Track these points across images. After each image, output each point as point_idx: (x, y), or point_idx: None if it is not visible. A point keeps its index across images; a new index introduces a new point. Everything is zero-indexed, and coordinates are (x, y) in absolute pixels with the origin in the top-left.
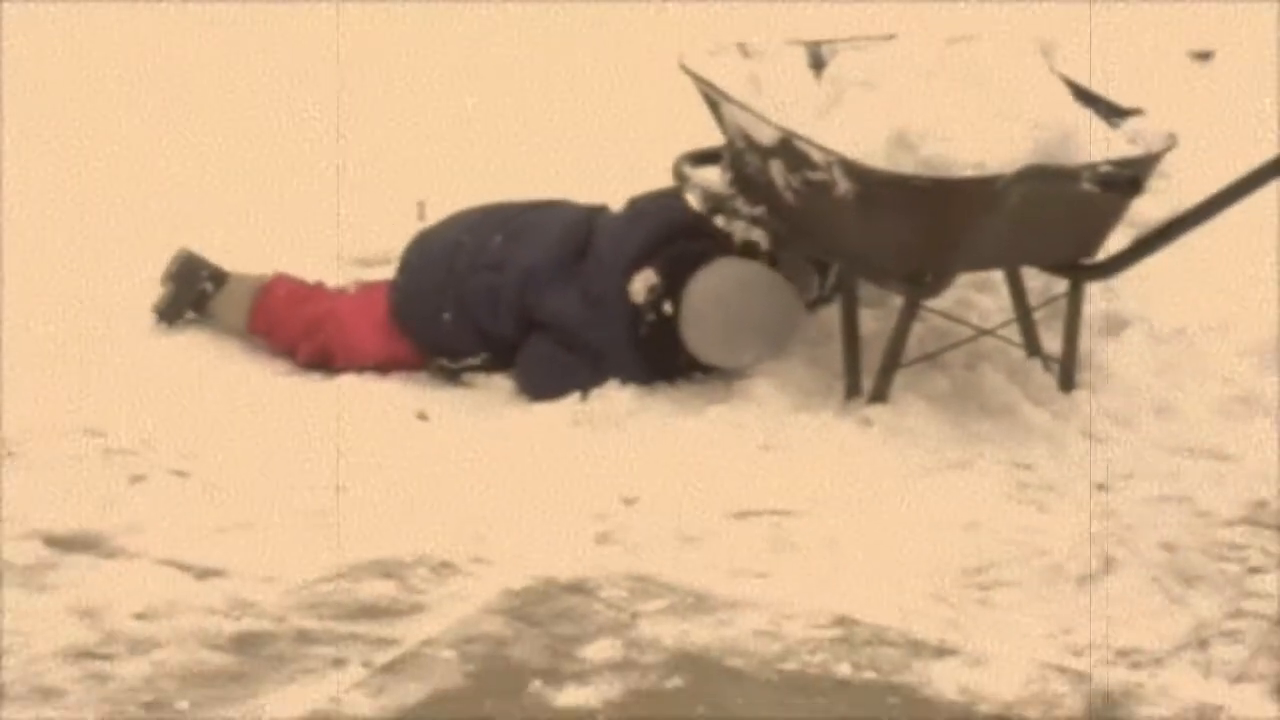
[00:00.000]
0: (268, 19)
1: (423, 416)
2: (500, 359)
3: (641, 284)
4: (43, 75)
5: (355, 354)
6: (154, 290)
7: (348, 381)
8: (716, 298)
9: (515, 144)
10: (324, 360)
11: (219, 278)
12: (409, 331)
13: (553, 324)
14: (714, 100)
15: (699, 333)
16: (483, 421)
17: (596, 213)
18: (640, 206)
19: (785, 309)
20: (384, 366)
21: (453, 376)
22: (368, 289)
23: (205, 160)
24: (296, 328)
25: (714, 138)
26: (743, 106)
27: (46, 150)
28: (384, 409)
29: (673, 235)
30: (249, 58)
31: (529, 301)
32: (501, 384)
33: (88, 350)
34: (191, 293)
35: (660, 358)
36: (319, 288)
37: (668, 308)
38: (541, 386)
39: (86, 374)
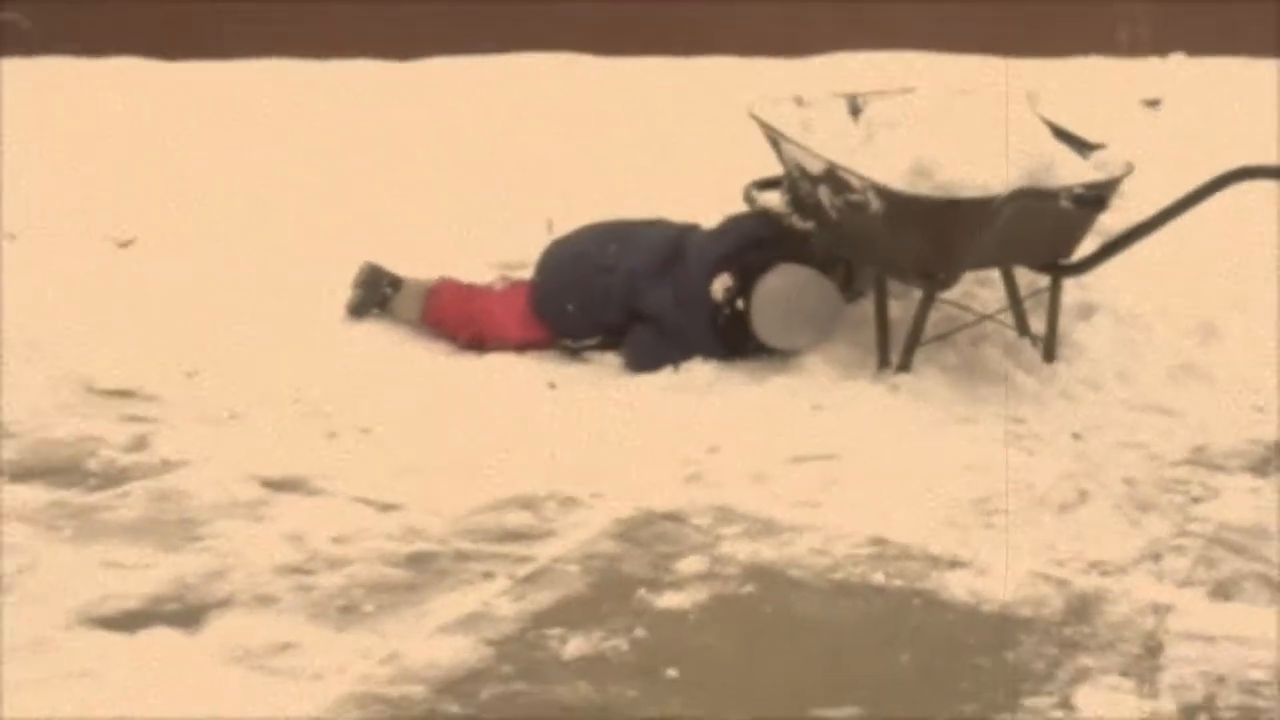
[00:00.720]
0: (426, 80)
1: (552, 385)
2: (609, 342)
3: (720, 286)
4: (280, 134)
5: (502, 338)
6: (346, 293)
7: (494, 359)
8: (777, 297)
9: (621, 174)
10: (478, 343)
11: (396, 283)
12: (543, 320)
13: (651, 315)
14: (775, 139)
15: (764, 323)
16: (597, 389)
17: (688, 229)
18: (721, 226)
19: (829, 304)
20: (523, 347)
21: (574, 354)
22: (511, 288)
23: (384, 194)
24: (458, 319)
25: (774, 168)
26: (797, 144)
27: (275, 190)
28: (522, 380)
29: (745, 248)
30: (420, 114)
31: (633, 297)
32: (612, 360)
33: (295, 339)
34: (376, 295)
35: (735, 342)
36: (474, 288)
37: (740, 304)
38: (643, 362)
39: (293, 357)
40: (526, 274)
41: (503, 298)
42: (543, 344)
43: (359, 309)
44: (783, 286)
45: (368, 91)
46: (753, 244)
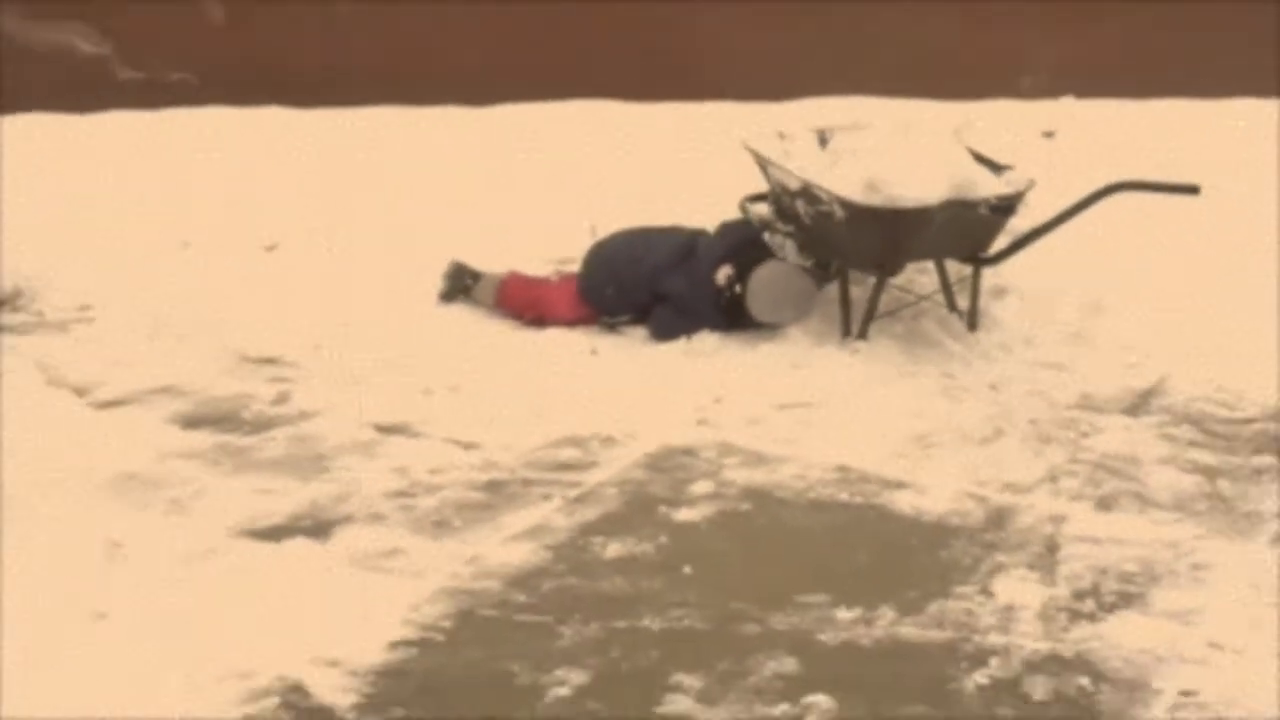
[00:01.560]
0: (491, 122)
1: (594, 351)
2: (639, 318)
3: (723, 274)
4: (386, 166)
5: (557, 317)
6: (438, 285)
7: (551, 333)
8: (766, 284)
9: (646, 190)
10: (539, 322)
11: (476, 276)
12: (588, 303)
13: (671, 297)
14: (763, 164)
15: (756, 304)
16: (631, 354)
17: (698, 233)
18: (724, 228)
19: (806, 290)
20: (573, 324)
21: (612, 328)
22: (563, 280)
23: (465, 210)
24: (523, 304)
25: (761, 186)
26: (780, 167)
27: (384, 209)
28: (573, 348)
29: (742, 246)
30: (489, 149)
31: (656, 284)
32: (640, 333)
33: (398, 320)
34: (460, 285)
35: (734, 318)
36: (534, 279)
37: (738, 289)
38: (664, 334)
39: (397, 333)
40: (575, 268)
41: (557, 288)
42: (589, 321)
43: (448, 296)
44: (770, 276)
45: (449, 132)
46: (748, 244)
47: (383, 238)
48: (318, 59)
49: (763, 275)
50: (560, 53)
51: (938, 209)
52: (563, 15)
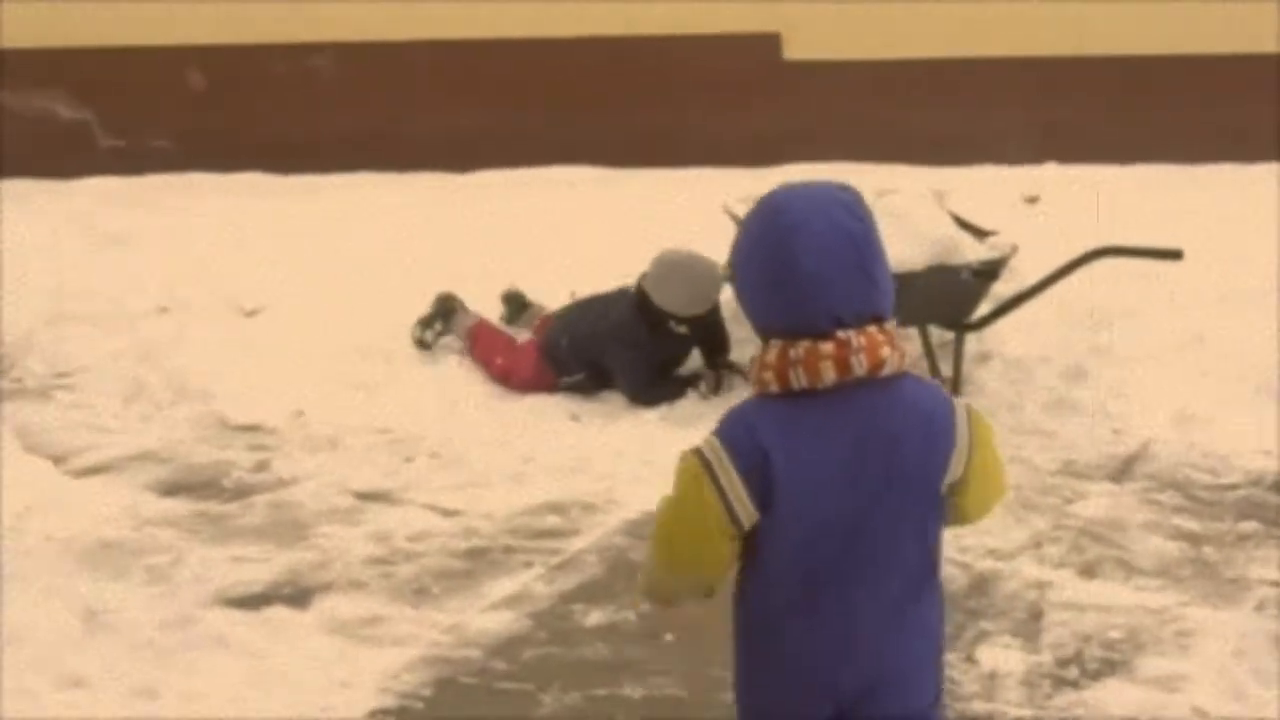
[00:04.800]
0: (476, 187)
1: (575, 418)
2: (592, 380)
3: (636, 280)
4: (365, 231)
5: (518, 371)
6: (415, 350)
7: (531, 400)
8: (666, 263)
9: (627, 257)
10: (505, 373)
11: (463, 307)
12: (546, 353)
13: (608, 337)
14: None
15: (659, 288)
16: (612, 421)
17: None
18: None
19: (710, 275)
20: (532, 382)
21: (591, 394)
22: (523, 344)
23: (447, 273)
24: (489, 353)
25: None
26: None
27: (362, 274)
28: (552, 414)
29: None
30: (471, 212)
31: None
32: (620, 400)
33: (378, 385)
34: (443, 310)
35: (650, 318)
36: (499, 336)
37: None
38: (643, 397)
39: (379, 402)
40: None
41: (517, 350)
42: (545, 383)
43: (429, 321)
44: (666, 255)
45: (428, 197)
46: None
47: (363, 302)
48: (297, 125)
49: (659, 257)
50: (541, 118)
51: (920, 274)
52: (543, 81)
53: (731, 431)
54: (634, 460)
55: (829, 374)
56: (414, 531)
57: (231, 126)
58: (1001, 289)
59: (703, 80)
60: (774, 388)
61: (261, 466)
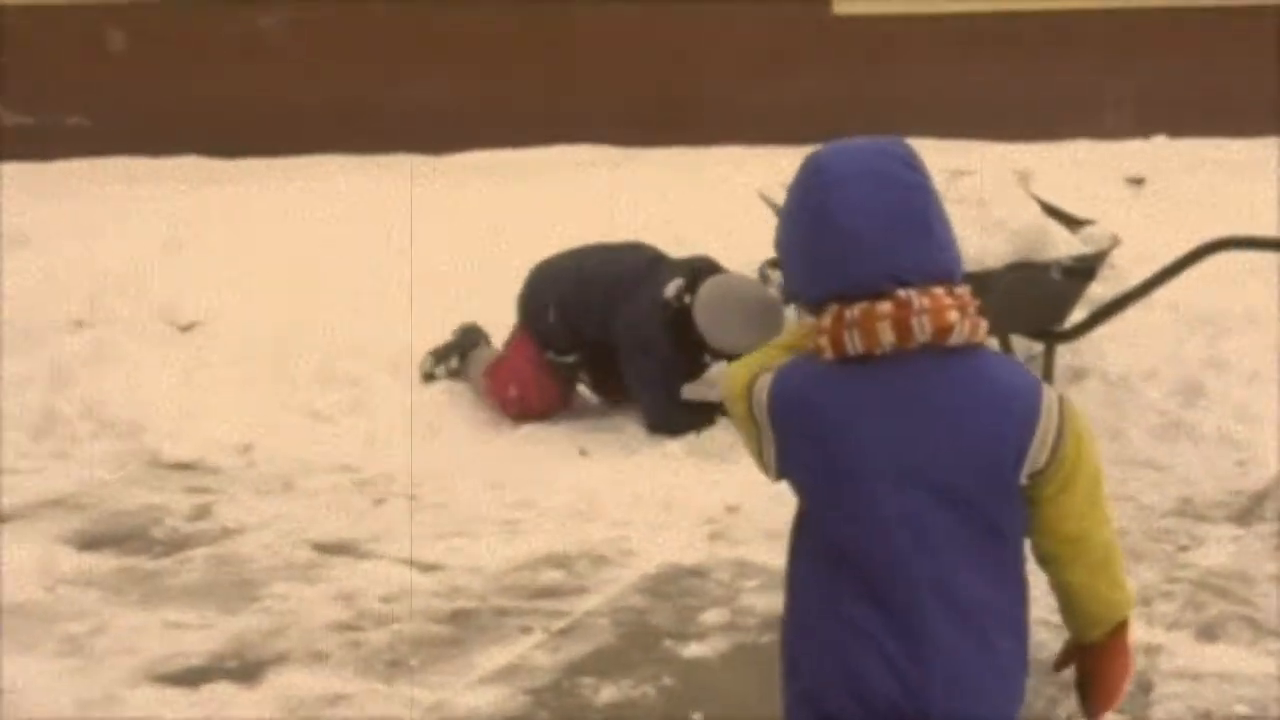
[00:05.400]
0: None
1: (583, 452)
2: (589, 361)
3: (673, 287)
4: (323, 225)
5: (526, 393)
6: (384, 376)
7: (530, 429)
8: (717, 293)
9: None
10: (522, 406)
11: (476, 342)
12: (529, 331)
13: (617, 332)
14: None
15: (706, 317)
16: (626, 454)
17: (660, 256)
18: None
19: (766, 306)
20: (534, 391)
21: (602, 416)
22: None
23: (420, 270)
24: (498, 384)
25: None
26: None
27: (322, 276)
28: (556, 447)
29: (702, 268)
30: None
31: (609, 309)
32: (636, 429)
33: (342, 412)
34: (463, 344)
35: (683, 343)
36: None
37: (687, 299)
38: (665, 426)
39: (343, 433)
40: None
41: (514, 343)
42: (551, 393)
43: (442, 353)
44: (723, 283)
45: (404, 184)
46: (709, 265)
47: (324, 314)
48: (243, 98)
49: (715, 282)
50: (538, 88)
51: (1000, 274)
52: (540, 44)
53: (780, 385)
54: (654, 504)
55: (886, 336)
56: (387, 591)
57: (162, 100)
58: (1099, 290)
59: (732, 41)
60: (829, 355)
61: (201, 513)
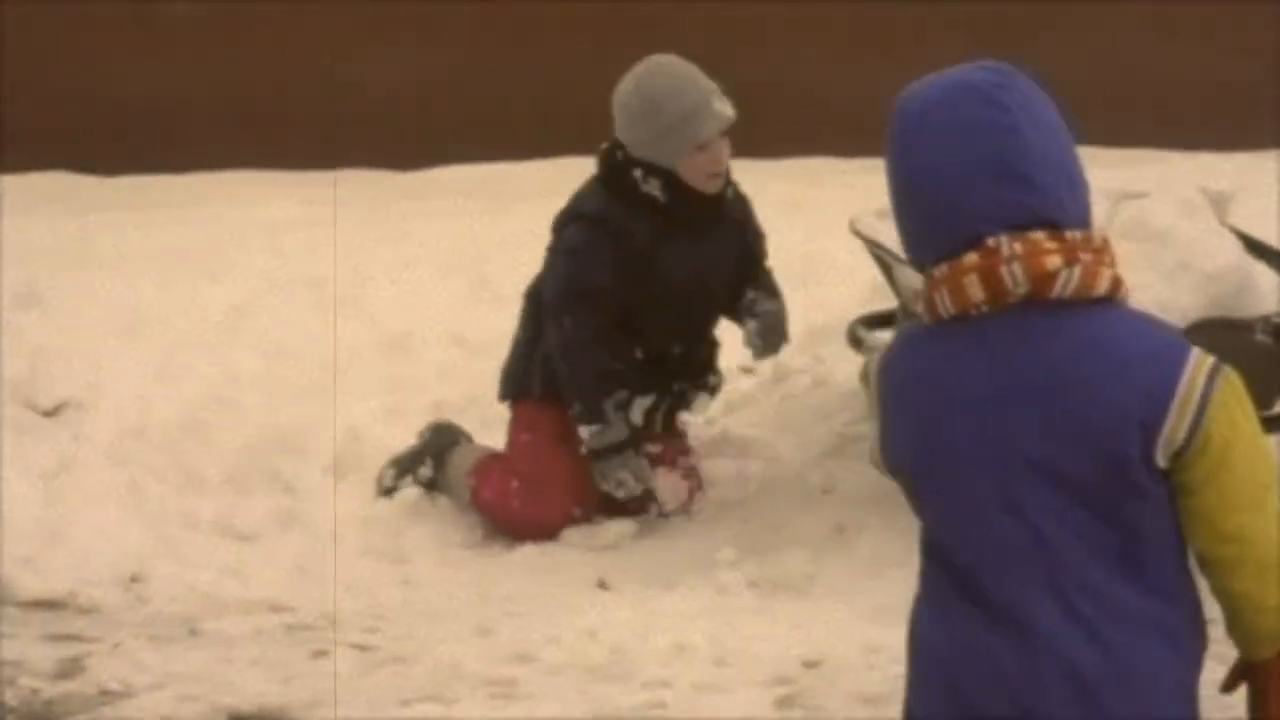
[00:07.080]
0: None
1: (602, 585)
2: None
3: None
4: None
5: (542, 488)
6: (326, 484)
7: (528, 551)
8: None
9: None
10: (531, 521)
11: (454, 441)
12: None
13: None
14: (886, 263)
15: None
16: (662, 591)
17: None
18: None
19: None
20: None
21: (630, 540)
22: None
23: (367, 316)
24: (506, 507)
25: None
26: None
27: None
28: (565, 577)
29: None
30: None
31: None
32: (673, 549)
33: (268, 532)
34: (433, 447)
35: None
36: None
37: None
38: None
39: (268, 555)
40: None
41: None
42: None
43: (407, 463)
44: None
45: (353, 211)
46: None
47: (241, 390)
48: (133, 97)
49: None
50: (518, 84)
51: (1191, 331)
52: (520, 27)
53: (888, 358)
54: (702, 658)
55: (975, 291)
56: None
57: (19, 100)
58: None
59: (779, 20)
60: (927, 320)
61: (71, 669)
